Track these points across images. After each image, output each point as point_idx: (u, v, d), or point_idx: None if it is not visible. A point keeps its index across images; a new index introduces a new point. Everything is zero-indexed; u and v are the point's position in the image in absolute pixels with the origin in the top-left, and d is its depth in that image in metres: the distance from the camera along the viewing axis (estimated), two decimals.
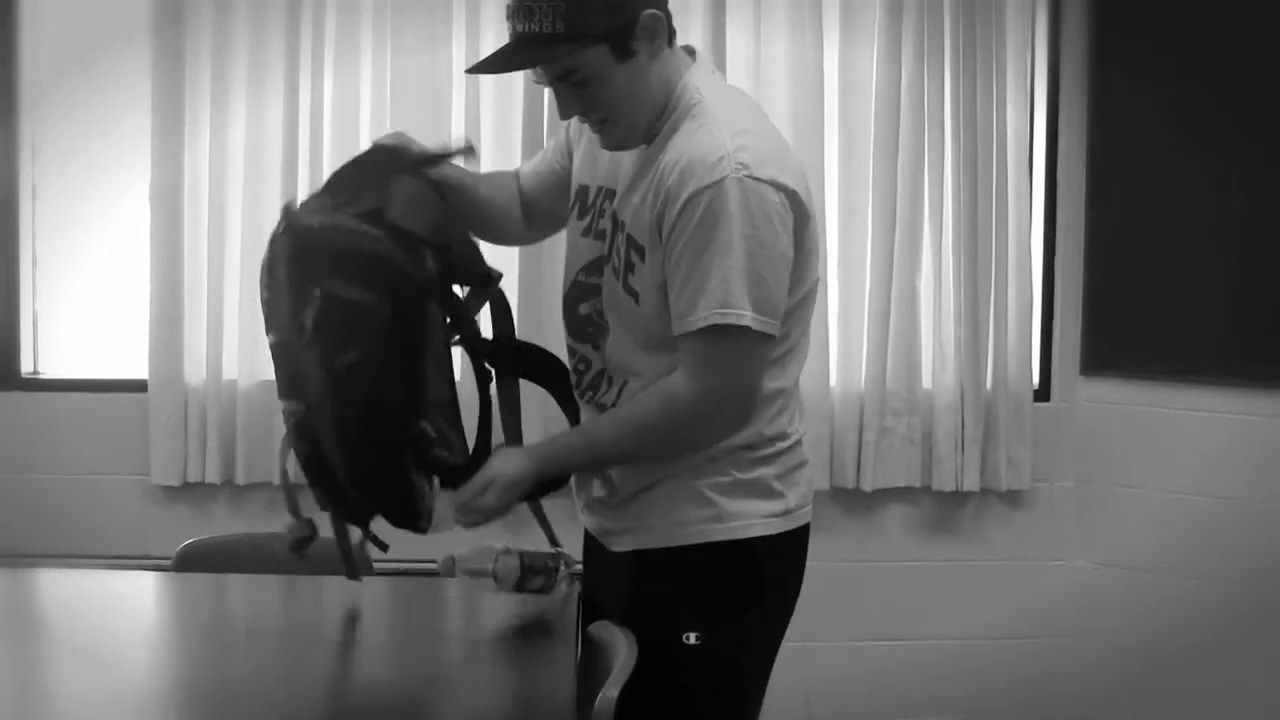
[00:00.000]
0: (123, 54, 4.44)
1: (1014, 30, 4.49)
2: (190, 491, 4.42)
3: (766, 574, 2.57)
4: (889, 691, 4.61)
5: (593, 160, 2.63)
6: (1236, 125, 4.34)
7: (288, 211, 2.61)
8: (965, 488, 4.55)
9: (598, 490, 2.65)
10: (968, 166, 4.45)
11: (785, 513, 2.58)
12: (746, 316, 2.39)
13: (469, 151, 2.75)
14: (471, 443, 2.62)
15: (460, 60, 4.28)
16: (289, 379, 2.62)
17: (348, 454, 2.56)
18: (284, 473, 2.69)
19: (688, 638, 2.52)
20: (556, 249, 4.17)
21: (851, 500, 4.55)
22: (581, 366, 2.67)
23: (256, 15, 4.31)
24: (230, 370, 4.36)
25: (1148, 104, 4.47)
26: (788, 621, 2.67)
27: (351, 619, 3.02)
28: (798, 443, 2.63)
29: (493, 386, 2.70)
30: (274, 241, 2.62)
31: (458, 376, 2.62)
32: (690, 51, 2.59)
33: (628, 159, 2.55)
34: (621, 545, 2.62)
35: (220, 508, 4.43)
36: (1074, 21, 4.57)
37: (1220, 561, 4.41)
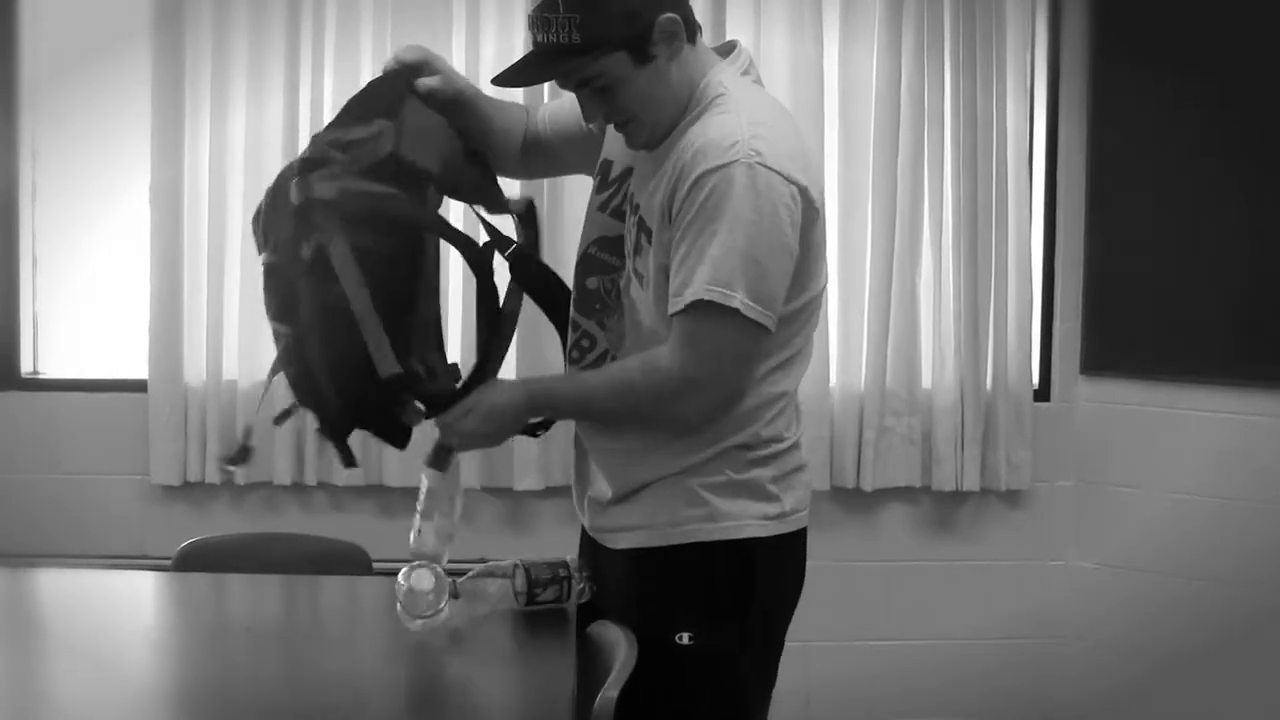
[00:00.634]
0: (123, 54, 4.44)
1: (1014, 28, 4.49)
2: (190, 491, 4.42)
3: (761, 576, 2.57)
4: (889, 691, 4.61)
5: (620, 137, 2.62)
6: (1237, 123, 4.34)
7: (303, 169, 2.59)
8: (965, 488, 4.54)
9: (595, 490, 2.65)
10: (968, 165, 4.45)
11: (780, 515, 2.57)
12: (737, 298, 2.38)
13: (524, 210, 2.73)
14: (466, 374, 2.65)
15: (460, 58, 4.28)
16: (280, 302, 2.62)
17: (335, 382, 2.58)
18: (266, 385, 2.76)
19: (680, 637, 2.52)
20: (561, 222, 4.22)
21: (851, 500, 4.55)
22: (585, 343, 2.66)
23: (256, 14, 4.31)
24: (230, 370, 4.36)
25: (1148, 102, 4.47)
26: (786, 626, 2.67)
27: (352, 619, 3.02)
28: (795, 446, 2.62)
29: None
30: (285, 177, 2.61)
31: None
32: (730, 47, 2.60)
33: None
34: (617, 543, 2.62)
35: (220, 507, 4.43)
36: (1074, 19, 4.57)
37: (1221, 562, 4.41)
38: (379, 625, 2.85)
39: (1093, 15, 4.54)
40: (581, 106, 2.55)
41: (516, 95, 4.13)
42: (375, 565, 3.33)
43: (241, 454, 2.83)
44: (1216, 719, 4.42)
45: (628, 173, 2.61)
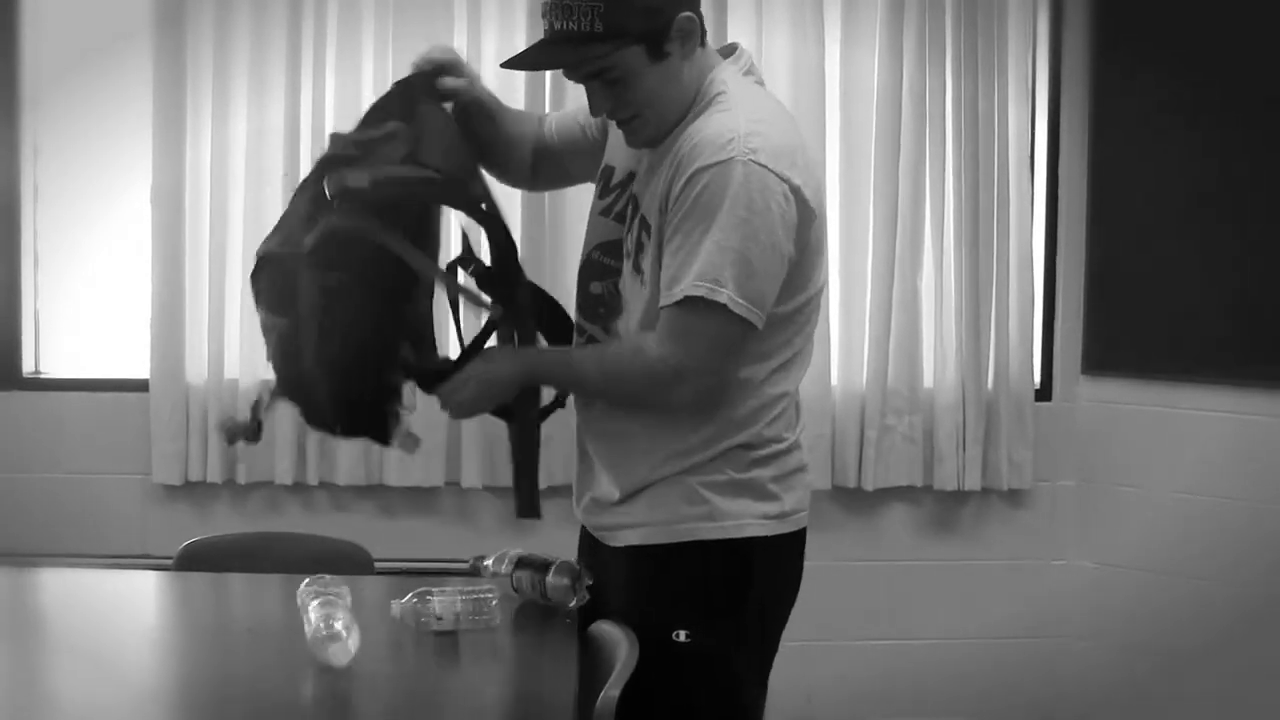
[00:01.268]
0: (124, 54, 4.44)
1: (1015, 30, 4.49)
2: (191, 491, 4.42)
3: (759, 575, 2.57)
4: (890, 691, 4.61)
5: (622, 143, 2.63)
6: (1238, 124, 4.34)
7: (327, 166, 2.60)
8: (967, 487, 4.54)
9: (598, 492, 2.65)
10: (969, 166, 4.45)
11: (780, 515, 2.58)
12: (724, 294, 2.40)
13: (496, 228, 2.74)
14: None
15: (461, 58, 4.27)
16: (278, 293, 2.63)
17: (328, 371, 2.59)
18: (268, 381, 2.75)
19: (678, 635, 2.53)
20: (562, 226, 4.22)
21: (853, 499, 4.55)
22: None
23: (258, 14, 4.31)
24: (232, 370, 4.36)
25: (1149, 103, 4.47)
26: (783, 626, 2.68)
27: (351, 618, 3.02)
28: (796, 446, 2.63)
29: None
30: (320, 169, 2.62)
31: None
32: (731, 49, 2.61)
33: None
34: (618, 541, 2.62)
35: (221, 507, 4.44)
36: (1075, 21, 4.56)
37: (1222, 561, 4.41)
38: (380, 625, 2.84)
39: (1094, 17, 4.54)
40: (590, 97, 2.55)
41: (519, 101, 4.17)
42: (376, 565, 3.34)
43: (253, 429, 2.80)
44: (1218, 718, 4.42)
45: (629, 178, 2.61)
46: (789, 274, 2.48)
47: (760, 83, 2.63)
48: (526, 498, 2.74)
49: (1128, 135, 4.50)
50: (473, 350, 2.67)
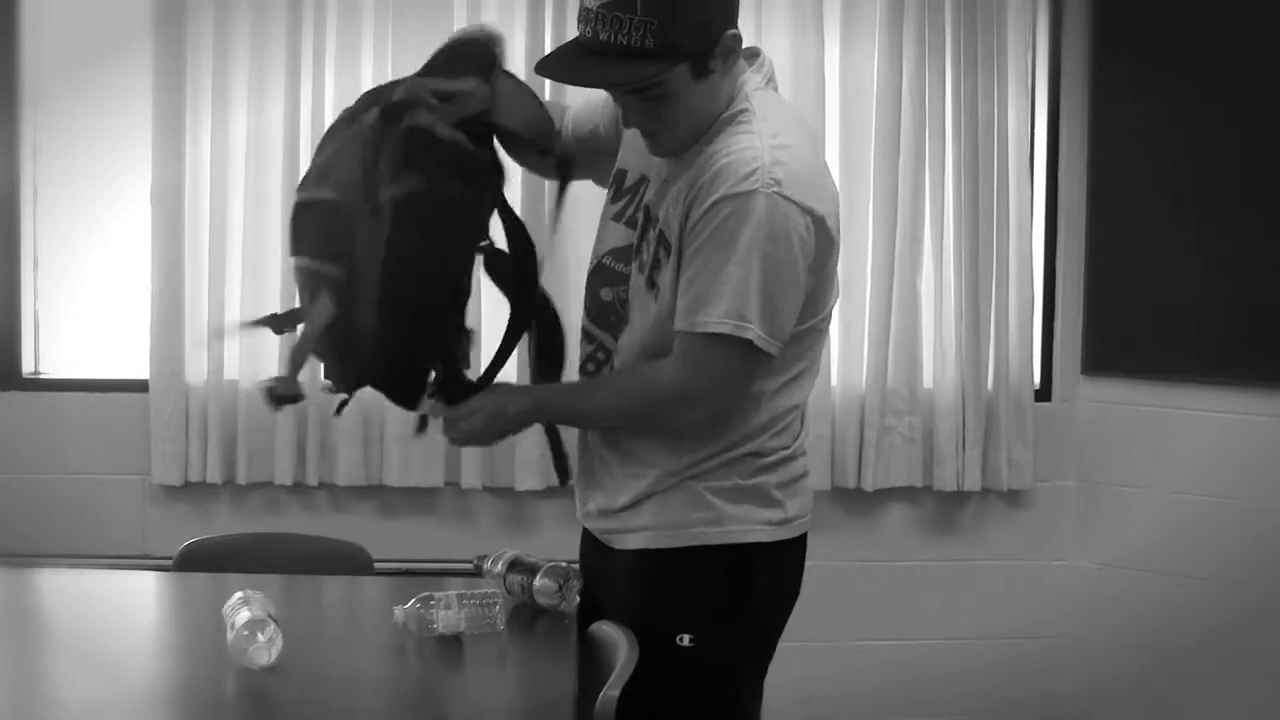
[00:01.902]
0: (124, 54, 4.43)
1: (1015, 30, 4.49)
2: (191, 491, 4.42)
3: (761, 580, 2.58)
4: (890, 691, 4.61)
5: (638, 146, 2.61)
6: (1237, 124, 4.34)
7: (385, 104, 2.59)
8: (966, 487, 4.54)
9: (604, 498, 2.64)
10: (968, 166, 4.45)
11: (784, 521, 2.58)
12: (751, 330, 2.41)
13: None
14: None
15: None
16: (327, 239, 2.58)
17: (389, 329, 2.53)
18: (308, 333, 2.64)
19: (681, 639, 2.53)
20: (564, 230, 4.22)
21: (853, 500, 4.55)
22: (600, 355, 2.67)
23: (258, 14, 4.31)
24: (231, 370, 4.36)
25: (1148, 103, 4.46)
26: (782, 629, 2.68)
27: (352, 619, 3.02)
28: (801, 454, 2.64)
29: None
30: (372, 130, 2.59)
31: None
32: (754, 53, 2.58)
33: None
34: (623, 544, 2.62)
35: (221, 508, 4.43)
36: (1075, 21, 4.56)
37: (1222, 561, 4.41)
38: (380, 625, 2.84)
39: (1093, 17, 4.54)
40: (624, 110, 2.52)
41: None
42: (376, 565, 3.34)
43: (284, 399, 2.68)
44: (1218, 717, 4.42)
45: (641, 181, 2.61)
46: (806, 298, 2.49)
47: (776, 89, 2.61)
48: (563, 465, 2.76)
49: (1127, 135, 4.50)
50: (492, 371, 2.67)
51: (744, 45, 2.58)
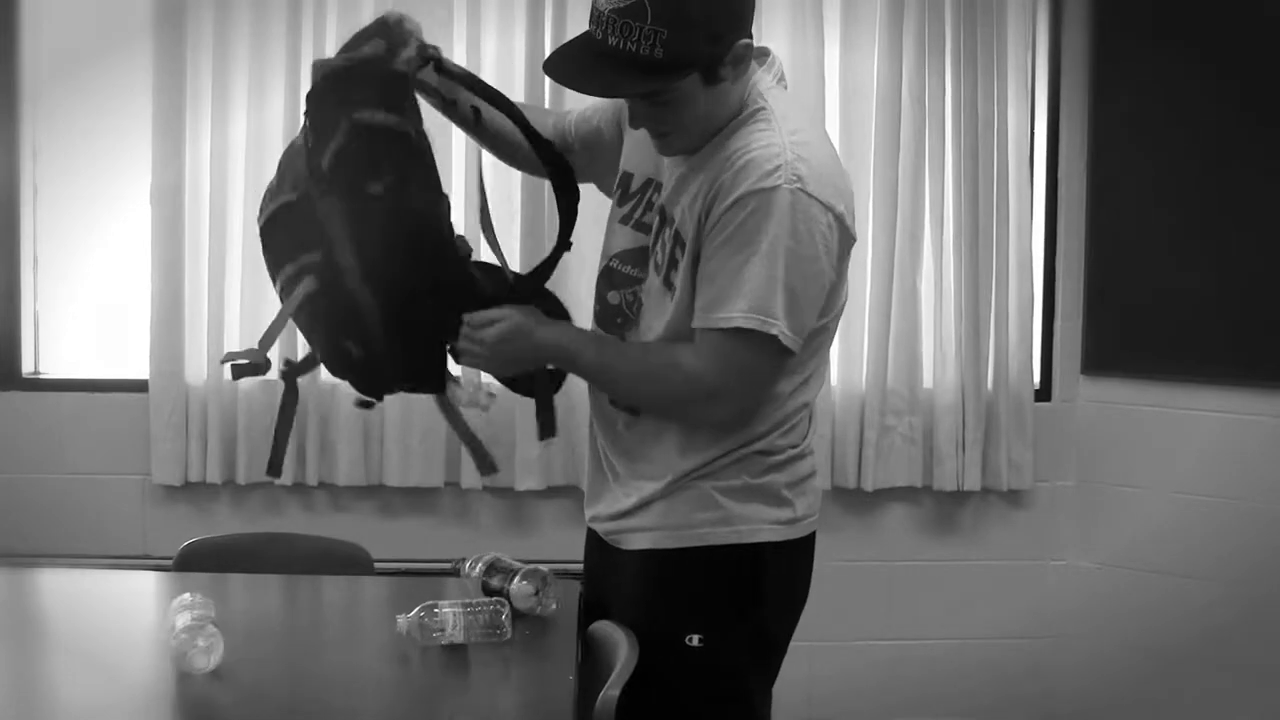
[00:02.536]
0: (124, 53, 4.43)
1: (1015, 29, 4.49)
2: (191, 491, 4.42)
3: (770, 580, 2.57)
4: (890, 691, 4.61)
5: (643, 149, 2.60)
6: (1238, 123, 4.33)
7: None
8: (966, 487, 4.54)
9: (612, 500, 2.64)
10: (968, 166, 4.45)
11: (792, 521, 2.58)
12: (777, 327, 2.39)
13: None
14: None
15: (461, 58, 4.27)
16: (297, 237, 2.57)
17: (381, 288, 2.50)
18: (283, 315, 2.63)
19: (690, 639, 2.52)
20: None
21: (853, 500, 4.55)
22: None
23: (258, 14, 4.31)
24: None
25: (1148, 102, 4.46)
26: (793, 629, 2.67)
27: (352, 619, 3.02)
28: (809, 452, 2.63)
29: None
30: (303, 132, 2.59)
31: None
32: (764, 53, 2.56)
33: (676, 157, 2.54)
34: (630, 544, 2.61)
35: (221, 508, 4.43)
36: (1075, 20, 4.57)
37: (1221, 561, 4.41)
38: (380, 625, 2.85)
39: (1093, 16, 4.54)
40: (632, 113, 2.49)
41: (517, 92, 4.14)
42: (376, 565, 3.34)
43: (256, 363, 2.69)
44: (1217, 717, 4.42)
45: (648, 184, 2.60)
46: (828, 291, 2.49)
47: (786, 88, 2.59)
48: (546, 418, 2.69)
49: (1127, 135, 4.50)
50: (532, 280, 2.62)
51: (766, 49, 2.58)
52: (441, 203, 2.55)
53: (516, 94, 4.32)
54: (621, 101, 2.63)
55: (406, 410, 4.33)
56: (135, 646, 2.66)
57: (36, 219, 4.51)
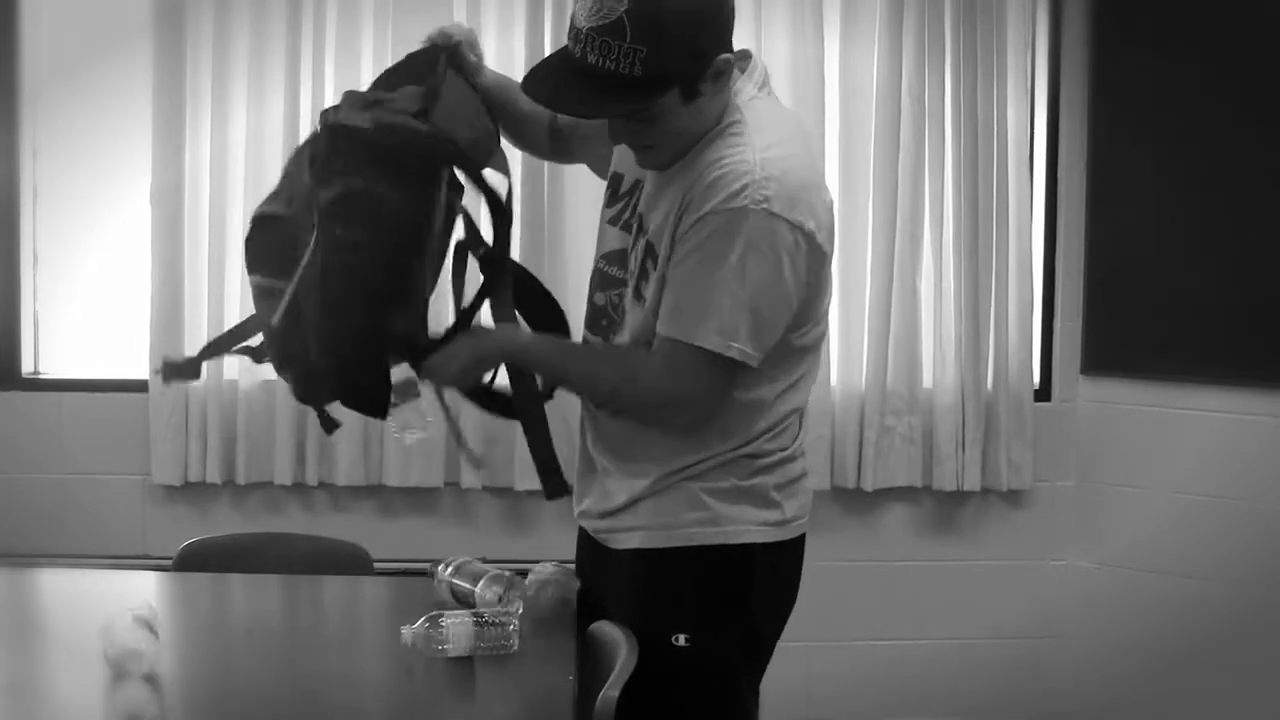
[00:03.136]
0: (123, 53, 4.44)
1: (1015, 29, 4.49)
2: (191, 491, 4.42)
3: (759, 581, 2.57)
4: (890, 691, 4.61)
5: (629, 152, 2.60)
6: (1239, 123, 4.33)
7: (325, 114, 2.61)
8: (966, 487, 4.54)
9: (598, 495, 2.64)
10: (968, 165, 4.45)
11: (781, 522, 2.58)
12: (735, 349, 2.40)
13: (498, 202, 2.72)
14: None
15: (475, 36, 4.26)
16: (279, 255, 2.59)
17: (327, 328, 2.54)
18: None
19: (677, 639, 2.53)
20: (561, 232, 4.22)
21: (852, 500, 4.55)
22: None
23: (257, 14, 4.31)
24: (231, 370, 4.36)
25: (1149, 101, 4.46)
26: (780, 631, 2.67)
27: (352, 619, 3.02)
28: (799, 455, 2.63)
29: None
30: (314, 138, 2.62)
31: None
32: (745, 56, 2.55)
33: None
34: (619, 543, 2.61)
35: (221, 507, 4.44)
36: (1075, 19, 4.56)
37: (1221, 561, 4.41)
38: (380, 625, 2.85)
39: (1093, 15, 4.54)
40: (611, 129, 2.50)
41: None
42: (376, 565, 3.34)
43: (189, 367, 2.81)
44: (1217, 717, 4.41)
45: (637, 185, 2.60)
46: (799, 309, 2.48)
47: (772, 95, 2.58)
48: (552, 480, 2.69)
49: (1127, 135, 4.50)
50: (462, 323, 2.66)
51: (746, 50, 2.57)
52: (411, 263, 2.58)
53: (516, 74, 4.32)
54: None
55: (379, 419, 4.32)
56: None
57: (36, 219, 4.51)
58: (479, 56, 2.73)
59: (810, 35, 4.39)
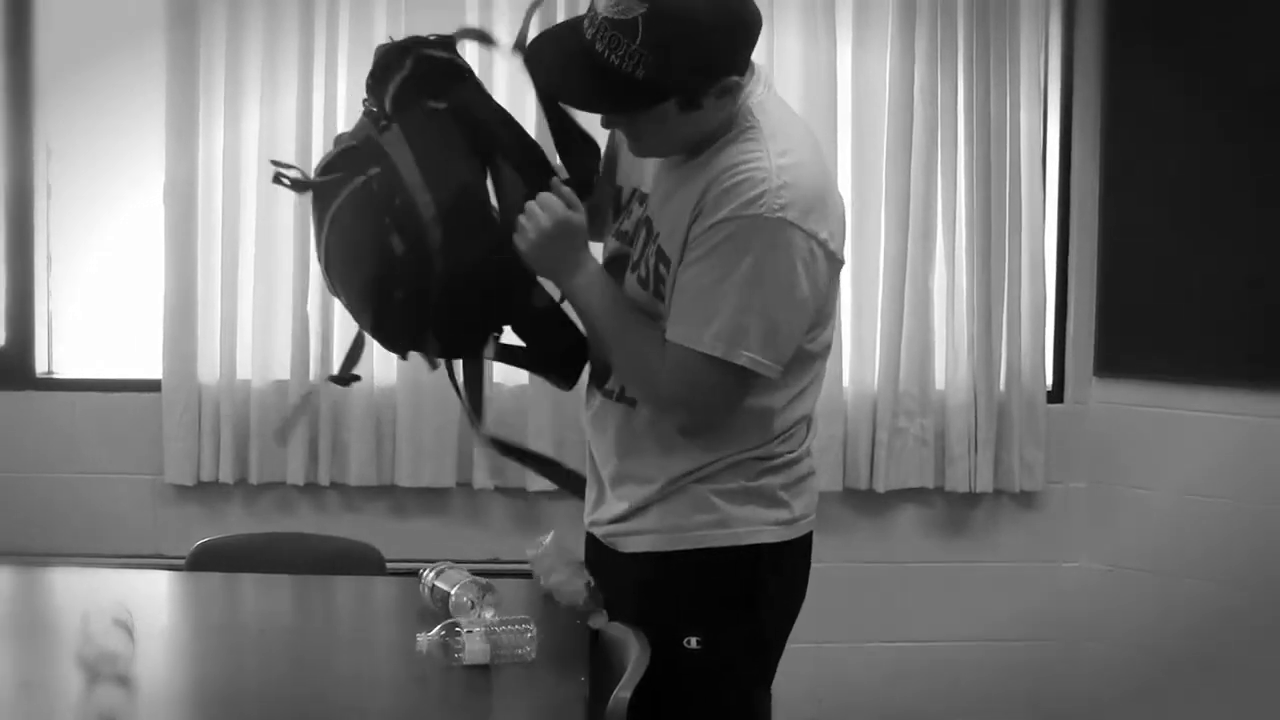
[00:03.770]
0: (137, 52, 4.44)
1: (1028, 31, 4.48)
2: (203, 491, 4.43)
3: (768, 581, 2.57)
4: (901, 692, 4.61)
5: (630, 164, 2.60)
6: (1252, 126, 4.33)
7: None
8: (978, 489, 4.54)
9: (606, 500, 2.64)
10: (981, 167, 4.44)
11: (789, 521, 2.58)
12: (744, 356, 2.39)
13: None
14: None
15: (473, 56, 4.25)
16: (354, 164, 2.53)
17: (443, 197, 2.46)
18: None
19: (689, 642, 2.52)
20: None
21: (864, 501, 4.55)
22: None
23: (270, 11, 4.31)
24: (244, 370, 4.37)
25: (1162, 105, 4.46)
26: (790, 629, 2.67)
27: (364, 619, 3.03)
28: (806, 455, 2.63)
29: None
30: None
31: None
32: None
33: (664, 166, 2.53)
34: (627, 547, 2.62)
35: (233, 507, 4.44)
36: (1088, 21, 4.56)
37: (1233, 563, 4.40)
38: (391, 625, 2.85)
39: (1107, 18, 4.53)
40: (604, 117, 2.50)
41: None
42: (388, 565, 3.34)
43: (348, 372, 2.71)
44: None
45: (633, 194, 2.60)
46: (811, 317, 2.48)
47: (775, 93, 2.55)
48: (565, 481, 2.73)
49: (1140, 137, 4.49)
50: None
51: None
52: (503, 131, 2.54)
53: (525, 97, 4.32)
54: (613, 136, 2.65)
55: (419, 410, 4.33)
56: (147, 647, 2.65)
57: (50, 218, 4.52)
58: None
59: (823, 38, 4.38)
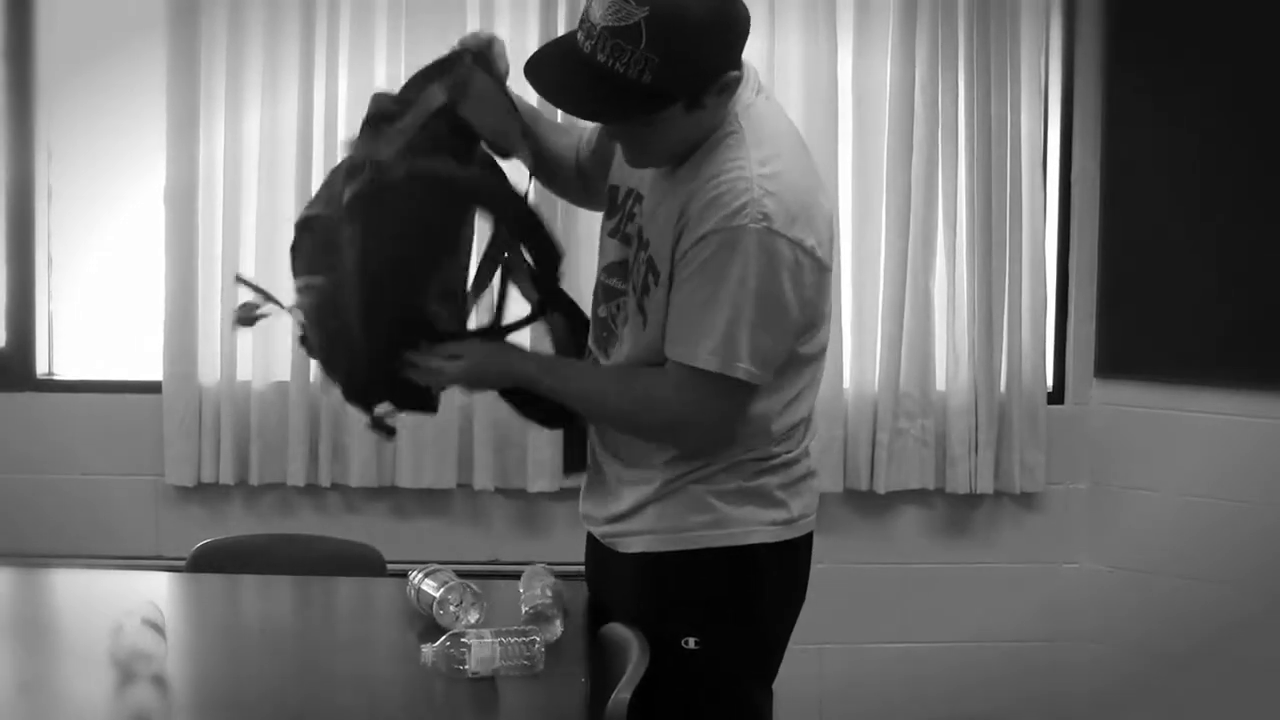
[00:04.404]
0: (137, 53, 4.44)
1: (1029, 33, 4.48)
2: (204, 492, 4.43)
3: (768, 581, 2.57)
4: (902, 694, 4.61)
5: (622, 160, 2.60)
6: (1252, 127, 4.33)
7: (364, 126, 2.66)
8: (979, 490, 4.54)
9: (605, 500, 2.65)
10: (982, 168, 4.44)
11: (787, 521, 2.58)
12: (741, 369, 2.40)
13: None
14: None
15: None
16: (320, 251, 2.61)
17: (369, 325, 2.55)
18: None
19: (687, 643, 2.53)
20: (572, 247, 4.22)
21: (865, 502, 4.54)
22: None
23: (271, 12, 4.31)
24: (244, 371, 4.37)
25: (1162, 105, 4.46)
26: (790, 629, 2.67)
27: (365, 620, 3.03)
28: (805, 455, 2.63)
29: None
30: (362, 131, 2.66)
31: None
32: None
33: (656, 172, 2.53)
34: (626, 548, 2.62)
35: (234, 508, 4.44)
36: (1088, 24, 4.55)
37: (1235, 565, 4.40)
38: (392, 627, 2.85)
39: (1107, 20, 4.53)
40: (609, 129, 2.52)
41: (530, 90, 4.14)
42: (389, 567, 3.34)
43: (249, 320, 2.84)
44: None
45: (630, 194, 2.60)
46: (804, 322, 2.49)
47: (765, 95, 2.55)
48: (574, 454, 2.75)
49: (1141, 138, 4.49)
50: (497, 331, 2.66)
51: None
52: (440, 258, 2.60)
53: (530, 96, 4.31)
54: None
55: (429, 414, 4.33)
56: None
57: (51, 219, 4.52)
58: (506, 67, 2.69)
59: (823, 38, 4.38)
